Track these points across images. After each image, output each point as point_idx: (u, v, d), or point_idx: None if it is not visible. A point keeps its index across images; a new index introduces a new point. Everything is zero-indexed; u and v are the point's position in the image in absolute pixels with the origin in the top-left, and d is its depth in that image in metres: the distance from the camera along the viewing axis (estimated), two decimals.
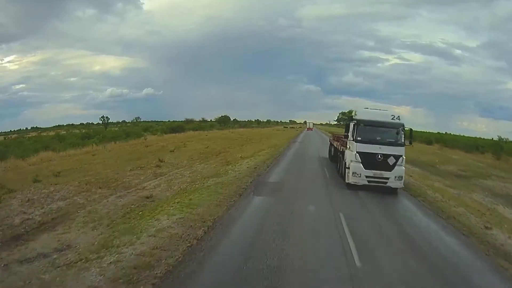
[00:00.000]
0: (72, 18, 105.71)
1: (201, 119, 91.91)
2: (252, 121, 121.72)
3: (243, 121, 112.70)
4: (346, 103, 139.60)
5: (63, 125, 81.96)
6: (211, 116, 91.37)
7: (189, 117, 79.42)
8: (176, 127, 58.00)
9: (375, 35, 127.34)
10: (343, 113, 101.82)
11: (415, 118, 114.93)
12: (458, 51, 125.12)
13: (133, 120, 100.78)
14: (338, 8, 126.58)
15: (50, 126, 78.72)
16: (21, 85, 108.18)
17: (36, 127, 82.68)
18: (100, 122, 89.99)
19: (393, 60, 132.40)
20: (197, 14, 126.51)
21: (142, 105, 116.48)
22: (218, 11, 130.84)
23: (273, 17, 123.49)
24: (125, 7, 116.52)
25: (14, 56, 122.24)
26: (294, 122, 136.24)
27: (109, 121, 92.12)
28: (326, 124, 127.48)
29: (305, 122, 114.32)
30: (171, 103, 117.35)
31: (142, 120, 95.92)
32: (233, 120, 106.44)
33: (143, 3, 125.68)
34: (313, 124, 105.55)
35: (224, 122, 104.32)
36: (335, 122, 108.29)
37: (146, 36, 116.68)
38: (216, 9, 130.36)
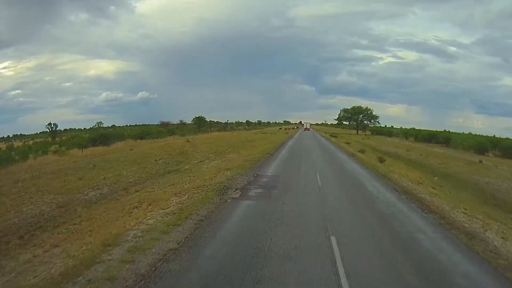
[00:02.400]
0: (65, 22, 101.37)
1: (179, 122, 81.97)
2: (242, 122, 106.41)
3: (234, 123, 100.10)
4: (341, 102, 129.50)
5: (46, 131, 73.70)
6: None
7: (166, 120, 71.48)
8: (102, 137, 37.58)
9: (368, 33, 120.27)
10: (345, 110, 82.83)
11: (411, 116, 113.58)
12: (452, 48, 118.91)
13: (95, 126, 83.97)
14: (330, 7, 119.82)
15: (32, 133, 72.52)
16: (16, 91, 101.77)
17: (21, 134, 75.60)
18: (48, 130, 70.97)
19: (387, 58, 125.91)
20: (190, 16, 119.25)
21: (137, 108, 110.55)
22: (211, 12, 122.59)
23: (266, 18, 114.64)
24: (118, 10, 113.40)
25: (9, 62, 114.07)
26: (289, 123, 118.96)
27: (57, 128, 73.54)
28: (323, 124, 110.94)
29: (300, 122, 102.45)
30: (166, 106, 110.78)
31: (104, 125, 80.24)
32: (210, 121, 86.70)
33: (136, 6, 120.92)
34: (310, 124, 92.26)
35: (199, 124, 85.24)
36: (335, 122, 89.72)
37: (139, 39, 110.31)
38: (208, 11, 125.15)
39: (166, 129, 53.75)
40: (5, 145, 46.42)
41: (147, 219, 7.06)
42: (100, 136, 37.46)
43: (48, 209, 10.41)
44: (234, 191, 10.14)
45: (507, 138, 47.12)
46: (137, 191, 11.98)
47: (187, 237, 6.03)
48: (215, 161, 19.43)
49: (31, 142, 65.70)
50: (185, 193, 9.59)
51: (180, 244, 5.69)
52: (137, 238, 5.88)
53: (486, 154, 37.73)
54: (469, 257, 5.72)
